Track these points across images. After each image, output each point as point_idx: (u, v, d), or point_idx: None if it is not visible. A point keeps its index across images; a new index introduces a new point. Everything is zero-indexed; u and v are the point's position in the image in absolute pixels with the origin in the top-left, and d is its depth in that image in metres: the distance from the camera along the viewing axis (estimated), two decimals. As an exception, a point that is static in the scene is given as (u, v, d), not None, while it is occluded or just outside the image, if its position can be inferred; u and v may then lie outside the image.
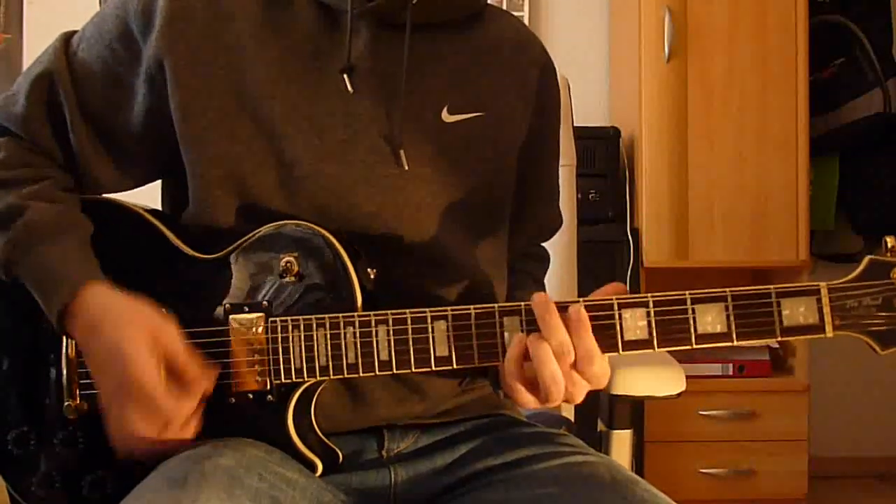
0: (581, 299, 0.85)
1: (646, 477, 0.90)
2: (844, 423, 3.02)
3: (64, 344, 0.91)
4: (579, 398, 0.85)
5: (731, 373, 2.58)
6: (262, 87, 0.93)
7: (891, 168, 2.88)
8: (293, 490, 0.84)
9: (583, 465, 0.90)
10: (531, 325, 0.84)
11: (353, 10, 0.95)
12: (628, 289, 0.83)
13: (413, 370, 0.86)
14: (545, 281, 1.19)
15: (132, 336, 0.84)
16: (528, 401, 0.85)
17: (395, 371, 0.87)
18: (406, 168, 0.95)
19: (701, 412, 2.53)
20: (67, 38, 1.00)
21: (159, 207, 1.05)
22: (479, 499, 0.92)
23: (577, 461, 0.91)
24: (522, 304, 0.86)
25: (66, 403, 0.90)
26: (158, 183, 1.06)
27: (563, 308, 0.83)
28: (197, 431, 0.87)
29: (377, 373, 0.87)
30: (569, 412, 1.44)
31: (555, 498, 0.86)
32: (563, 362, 0.82)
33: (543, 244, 1.20)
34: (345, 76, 0.94)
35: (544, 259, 1.19)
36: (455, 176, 0.98)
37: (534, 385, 0.84)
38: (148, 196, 1.02)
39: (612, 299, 0.84)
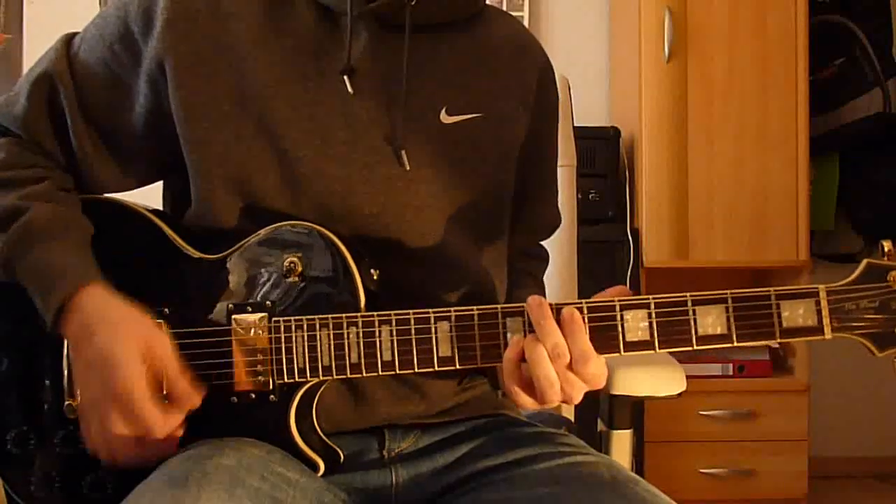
0: (584, 301, 0.85)
1: (646, 477, 0.90)
2: (844, 423, 3.02)
3: (65, 343, 0.91)
4: (577, 398, 0.85)
5: (731, 373, 2.58)
6: (263, 89, 0.93)
7: (891, 168, 2.88)
8: (294, 490, 0.84)
9: (583, 465, 0.90)
10: (532, 327, 0.85)
11: (352, 12, 0.95)
12: (628, 289, 0.83)
13: (416, 370, 0.87)
14: (545, 280, 1.19)
15: (126, 342, 0.84)
16: (525, 402, 0.86)
17: (397, 371, 0.87)
18: (408, 168, 0.95)
19: (701, 412, 2.53)
20: (69, 39, 1.00)
21: (160, 207, 1.05)
22: (480, 498, 0.92)
23: (577, 461, 0.91)
24: (524, 305, 0.86)
25: (66, 403, 0.90)
26: (159, 183, 1.06)
27: (558, 310, 0.84)
28: (175, 444, 0.87)
29: (380, 373, 0.87)
30: (569, 412, 1.44)
31: (555, 498, 0.86)
32: (559, 364, 0.82)
33: (542, 243, 1.20)
34: (345, 77, 0.94)
35: (544, 258, 1.20)
36: (456, 177, 0.98)
37: (531, 386, 0.84)
38: (148, 196, 1.02)
39: (614, 301, 0.85)
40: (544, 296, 1.02)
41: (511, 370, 0.85)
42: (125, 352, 0.84)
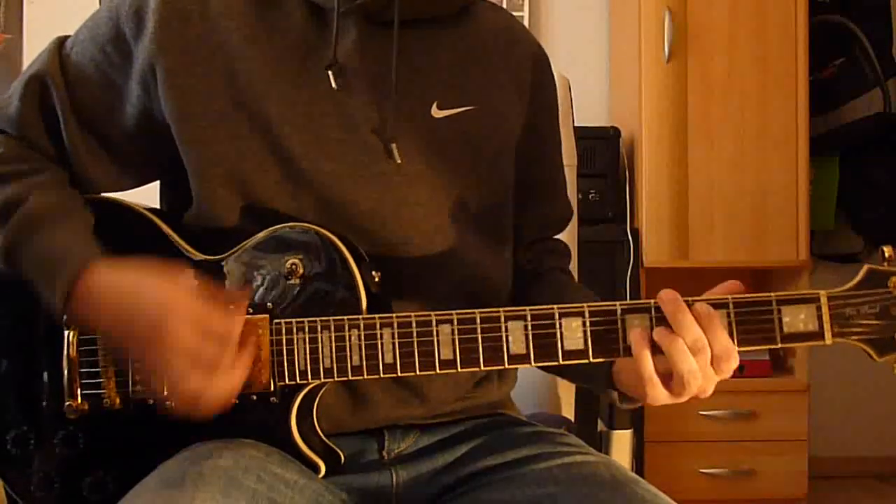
0: (730, 296, 0.84)
1: (646, 477, 0.90)
2: (844, 423, 3.02)
3: (64, 344, 0.91)
4: (710, 391, 0.85)
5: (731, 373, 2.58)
6: (256, 87, 0.93)
7: (891, 168, 2.88)
8: (292, 491, 0.84)
9: (583, 465, 0.90)
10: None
11: (339, 8, 0.95)
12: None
13: (417, 373, 0.87)
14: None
15: (158, 301, 0.84)
16: (661, 395, 0.85)
17: (399, 374, 0.87)
18: (399, 162, 0.95)
19: (701, 412, 2.54)
20: (61, 41, 1.00)
21: (158, 207, 1.05)
22: (480, 499, 0.92)
23: (577, 461, 0.91)
24: (528, 308, 0.86)
25: (66, 403, 0.90)
26: (158, 183, 1.06)
27: (688, 305, 0.83)
28: (247, 372, 0.86)
29: (381, 375, 0.87)
30: (569, 412, 1.44)
31: (555, 498, 0.86)
32: (701, 358, 0.82)
33: (559, 237, 1.19)
34: (329, 73, 0.94)
35: (565, 253, 1.17)
36: (450, 171, 0.98)
37: (666, 380, 0.84)
38: (148, 196, 1.02)
39: (615, 305, 0.84)
40: (592, 295, 1.01)
41: (652, 363, 0.83)
42: (161, 309, 0.83)
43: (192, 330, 0.82)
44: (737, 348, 0.84)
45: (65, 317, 0.89)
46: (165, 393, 0.87)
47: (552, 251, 1.14)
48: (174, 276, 0.86)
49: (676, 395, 0.85)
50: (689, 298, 0.84)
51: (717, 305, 0.83)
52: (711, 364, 0.83)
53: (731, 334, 0.84)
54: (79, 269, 0.86)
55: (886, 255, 0.83)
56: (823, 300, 0.83)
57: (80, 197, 0.96)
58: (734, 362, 0.84)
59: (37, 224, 0.89)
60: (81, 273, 0.86)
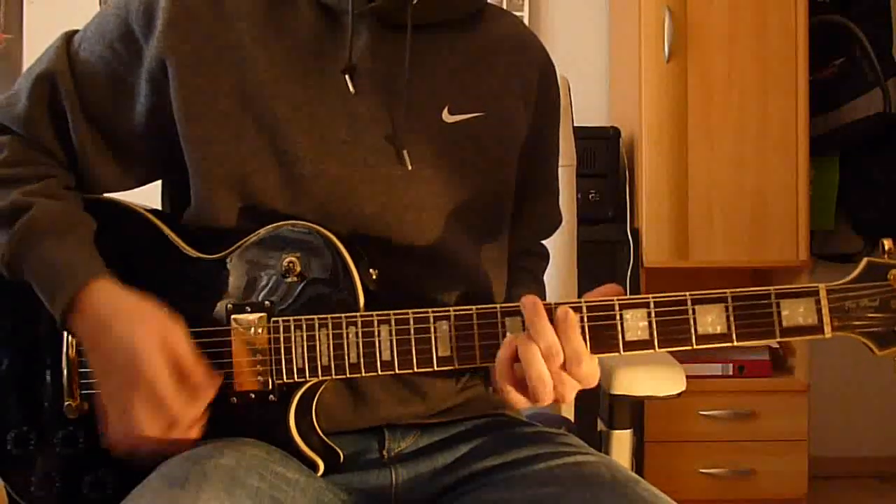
0: (583, 300, 0.85)
1: (646, 477, 0.90)
2: (844, 423, 3.02)
3: (64, 344, 0.91)
4: (570, 398, 0.85)
5: (731, 373, 2.58)
6: (264, 88, 0.93)
7: (891, 168, 2.88)
8: (293, 490, 0.84)
9: (583, 465, 0.90)
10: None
11: (353, 11, 0.95)
12: (628, 288, 0.84)
13: (415, 370, 0.87)
14: (545, 279, 1.19)
15: (143, 335, 0.84)
16: (518, 400, 0.86)
17: (396, 371, 0.87)
18: (409, 168, 0.95)
19: (701, 412, 2.53)
20: (69, 37, 1.00)
21: (159, 207, 1.05)
22: (480, 498, 0.92)
23: (577, 461, 0.91)
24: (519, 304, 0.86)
25: (66, 403, 0.90)
26: (158, 183, 1.06)
27: (553, 309, 0.83)
28: (201, 433, 0.87)
29: (379, 373, 0.87)
30: (569, 412, 1.44)
31: (555, 498, 0.86)
32: (552, 363, 0.82)
33: (543, 242, 1.20)
34: (346, 77, 0.94)
35: (544, 256, 1.20)
36: (457, 176, 0.98)
37: (523, 385, 0.84)
38: (148, 196, 1.02)
39: (613, 300, 0.85)
40: (543, 294, 1.02)
41: (504, 369, 0.85)
42: (144, 343, 0.84)
43: (165, 377, 0.84)
44: (735, 343, 0.83)
45: (64, 325, 0.88)
46: (111, 423, 0.87)
47: (528, 252, 1.15)
48: (168, 318, 0.87)
49: (532, 400, 0.85)
50: (554, 303, 0.84)
51: (715, 299, 0.83)
52: (564, 368, 0.83)
53: (729, 328, 0.83)
54: (80, 283, 0.87)
55: (886, 247, 0.82)
56: (822, 293, 0.82)
57: (81, 202, 0.96)
58: (585, 366, 0.83)
59: (40, 235, 0.89)
60: (82, 287, 0.87)
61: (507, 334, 0.86)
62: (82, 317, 0.87)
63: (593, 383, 0.85)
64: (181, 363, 0.85)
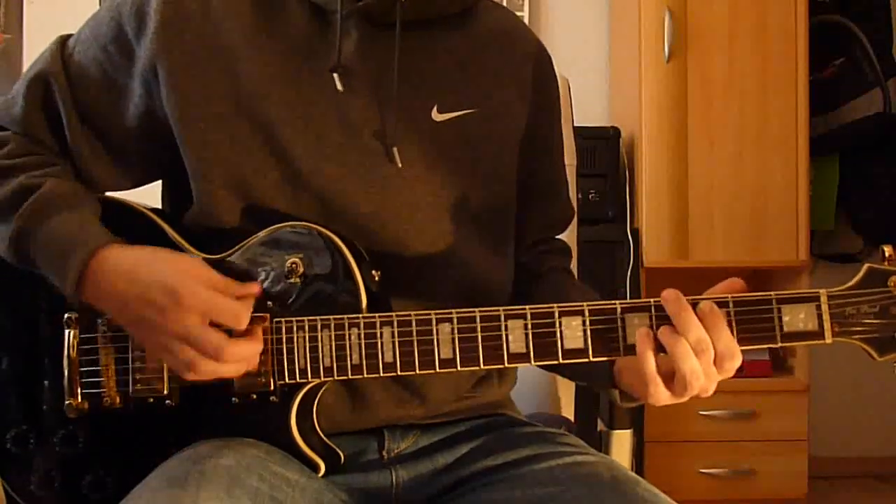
0: (730, 295, 0.84)
1: (646, 477, 0.90)
2: (844, 423, 3.02)
3: (65, 343, 0.91)
4: (712, 391, 0.85)
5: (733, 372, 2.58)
6: (257, 89, 0.93)
7: (891, 168, 2.88)
8: (293, 490, 0.84)
9: (583, 465, 0.90)
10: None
11: (342, 10, 0.95)
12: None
13: (417, 372, 0.86)
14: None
15: (172, 271, 0.84)
16: (663, 396, 0.85)
17: (399, 373, 0.87)
18: (400, 165, 0.95)
19: (701, 412, 2.54)
20: (64, 40, 1.00)
21: (159, 207, 1.05)
22: (480, 499, 0.92)
23: (577, 461, 0.91)
24: (527, 307, 0.86)
25: (66, 402, 0.90)
26: (158, 183, 1.06)
27: (693, 304, 0.83)
28: (258, 349, 0.86)
29: (381, 374, 0.87)
30: (569, 412, 1.44)
31: (555, 497, 0.86)
32: (704, 358, 0.82)
33: (560, 237, 1.18)
34: (335, 75, 0.94)
35: (566, 252, 1.17)
36: (452, 174, 0.98)
37: (667, 379, 0.84)
38: (148, 196, 1.03)
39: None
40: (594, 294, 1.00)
41: (654, 364, 0.83)
42: (177, 275, 0.84)
43: (207, 296, 0.83)
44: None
45: (76, 295, 0.87)
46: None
47: (553, 251, 1.13)
48: (187, 255, 0.87)
49: (678, 395, 0.84)
50: (692, 298, 0.84)
51: (718, 304, 0.83)
52: (714, 363, 0.83)
53: (731, 333, 0.83)
54: (93, 247, 0.87)
55: (887, 254, 0.82)
56: (823, 299, 0.83)
57: (87, 190, 0.96)
58: (737, 361, 0.83)
59: (49, 211, 0.89)
60: (96, 252, 0.86)
61: (514, 336, 0.85)
62: (101, 278, 0.86)
63: (731, 375, 0.85)
64: (214, 281, 0.85)
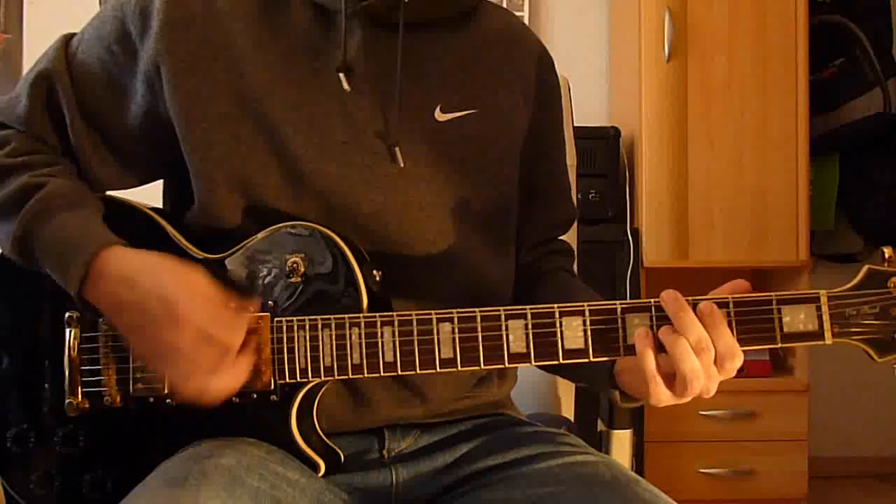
0: (730, 295, 0.84)
1: (646, 477, 0.90)
2: (844, 423, 3.02)
3: (66, 342, 0.91)
4: (714, 391, 0.85)
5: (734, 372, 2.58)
6: (261, 89, 0.93)
7: (891, 168, 2.88)
8: (294, 490, 0.84)
9: (583, 465, 0.91)
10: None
11: (345, 10, 0.95)
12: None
13: (418, 372, 0.86)
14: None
15: (173, 282, 0.84)
16: (664, 396, 0.84)
17: (399, 373, 0.87)
18: (402, 165, 0.95)
19: (701, 412, 2.54)
20: (67, 39, 1.00)
21: (160, 206, 1.05)
22: (480, 498, 0.92)
23: (577, 461, 0.91)
24: (528, 307, 0.86)
25: (67, 401, 0.90)
26: (159, 182, 1.06)
27: (693, 305, 0.83)
28: (251, 367, 0.86)
29: (382, 374, 0.87)
30: (569, 412, 1.44)
31: (555, 497, 0.86)
32: (705, 358, 0.82)
33: (562, 237, 1.18)
34: (341, 75, 0.94)
35: (568, 253, 1.17)
36: (455, 174, 0.98)
37: (668, 380, 0.83)
38: (148, 196, 1.03)
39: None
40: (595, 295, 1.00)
41: (654, 363, 0.83)
42: (178, 285, 0.83)
43: (205, 313, 0.83)
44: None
45: (79, 295, 0.87)
46: (166, 391, 0.87)
47: (556, 251, 1.13)
48: (191, 267, 0.87)
49: (679, 395, 0.84)
50: (693, 298, 0.84)
51: (718, 305, 0.83)
52: (715, 363, 0.82)
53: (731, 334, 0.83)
54: (97, 248, 0.86)
55: (887, 255, 0.83)
56: (823, 300, 0.83)
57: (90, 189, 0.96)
58: (738, 361, 0.83)
59: (54, 207, 0.89)
60: (100, 252, 0.86)
61: (514, 336, 0.86)
62: (103, 280, 0.86)
63: (733, 375, 0.85)
64: (213, 296, 0.85)
